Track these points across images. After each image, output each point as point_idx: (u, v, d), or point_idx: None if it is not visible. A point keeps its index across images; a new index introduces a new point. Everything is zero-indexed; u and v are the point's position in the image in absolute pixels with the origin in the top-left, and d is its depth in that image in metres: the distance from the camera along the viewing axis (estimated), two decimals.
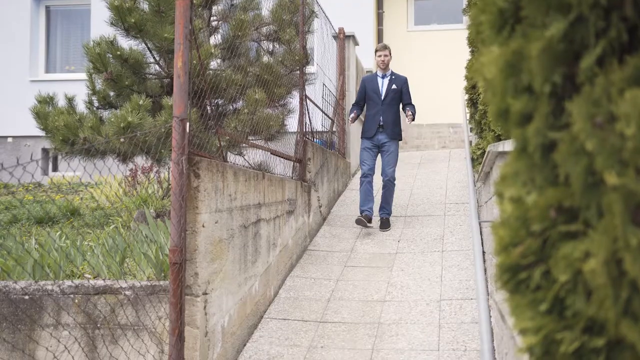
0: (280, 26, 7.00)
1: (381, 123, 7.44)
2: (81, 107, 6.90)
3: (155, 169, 9.37)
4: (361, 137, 7.67)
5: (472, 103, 6.36)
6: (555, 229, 1.29)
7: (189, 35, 3.97)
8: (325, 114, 8.43)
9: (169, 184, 8.93)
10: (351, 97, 9.87)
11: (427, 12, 13.84)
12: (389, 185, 7.37)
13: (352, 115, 7.72)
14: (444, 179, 9.25)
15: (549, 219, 1.30)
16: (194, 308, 3.92)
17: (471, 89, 6.34)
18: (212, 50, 6.05)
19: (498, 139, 5.46)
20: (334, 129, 8.97)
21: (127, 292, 4.00)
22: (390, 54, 7.71)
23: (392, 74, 7.70)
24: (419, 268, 6.14)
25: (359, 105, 7.78)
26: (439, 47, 13.34)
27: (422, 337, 4.83)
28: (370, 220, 7.19)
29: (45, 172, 13.10)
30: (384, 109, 7.47)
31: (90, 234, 6.10)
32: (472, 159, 6.76)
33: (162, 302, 3.99)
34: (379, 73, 7.70)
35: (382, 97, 7.51)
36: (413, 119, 7.42)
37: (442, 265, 6.14)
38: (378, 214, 7.44)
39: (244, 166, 5.31)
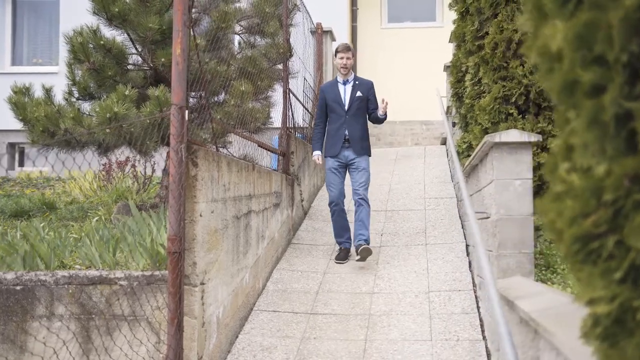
0: (263, 19, 6.96)
1: (346, 137, 6.34)
2: (57, 99, 6.73)
3: (130, 163, 9.27)
4: (325, 156, 6.54)
5: (458, 97, 6.41)
6: (629, 198, 1.30)
7: (187, 22, 3.92)
8: (306, 109, 8.42)
9: (145, 178, 8.84)
10: None
11: (401, 10, 13.91)
12: (363, 205, 6.24)
13: (315, 155, 6.59)
14: (421, 174, 9.31)
15: (623, 188, 1.31)
16: (192, 298, 3.88)
17: (457, 83, 6.40)
18: (198, 41, 5.99)
19: (485, 132, 5.53)
20: (313, 124, 8.96)
21: (122, 282, 3.93)
22: (353, 55, 6.54)
23: (356, 78, 6.56)
24: (405, 261, 6.17)
25: (322, 122, 6.58)
26: (413, 44, 13.42)
27: (414, 327, 4.85)
28: (349, 252, 6.37)
29: (11, 167, 12.84)
30: (348, 120, 6.35)
31: (73, 226, 5.98)
32: (458, 152, 6.81)
33: (158, 292, 3.93)
34: (340, 79, 6.53)
35: (346, 107, 6.39)
36: (385, 112, 6.35)
37: (427, 258, 6.19)
38: (354, 243, 6.26)
39: (234, 157, 5.26)
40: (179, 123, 3.79)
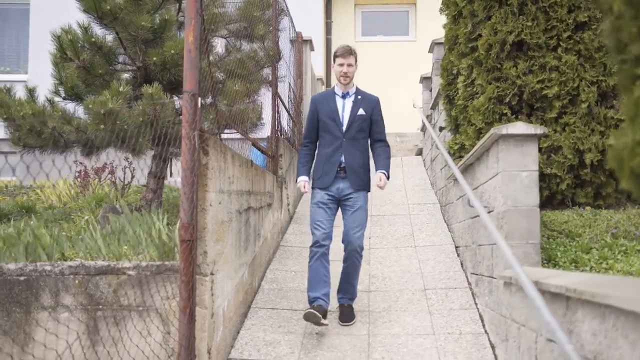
0: (251, 23, 6.97)
1: (342, 165, 4.96)
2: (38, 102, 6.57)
3: (108, 169, 9.15)
4: (312, 187, 5.12)
5: (449, 100, 6.50)
6: None
7: (200, 10, 3.92)
8: (289, 114, 8.43)
9: (125, 184, 8.71)
10: (307, 102, 9.91)
11: (374, 24, 14.10)
12: (353, 258, 4.93)
13: (301, 181, 5.11)
14: (401, 182, 9.39)
15: None
16: (203, 288, 3.83)
17: (447, 85, 6.49)
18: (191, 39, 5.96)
19: (479, 132, 5.62)
20: (294, 130, 8.98)
21: (131, 272, 3.86)
22: (356, 62, 5.11)
23: (358, 92, 5.16)
24: (396, 262, 6.20)
25: (312, 142, 5.20)
26: (386, 58, 13.59)
27: (415, 322, 4.87)
28: (325, 314, 4.78)
29: None
30: (346, 144, 4.98)
31: (62, 225, 5.86)
32: (449, 154, 6.87)
33: (167, 282, 3.87)
34: (338, 90, 5.13)
35: (344, 127, 5.00)
36: (384, 184, 5.01)
37: (418, 259, 6.23)
38: (337, 298, 5.09)
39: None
40: (192, 110, 3.76)
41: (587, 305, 2.44)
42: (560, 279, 2.89)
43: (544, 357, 3.12)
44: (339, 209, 5.09)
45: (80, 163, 8.90)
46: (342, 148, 4.99)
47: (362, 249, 4.96)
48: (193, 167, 3.70)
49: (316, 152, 5.20)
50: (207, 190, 3.89)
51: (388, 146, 5.19)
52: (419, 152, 11.87)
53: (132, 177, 8.75)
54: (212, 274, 3.93)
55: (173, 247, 4.13)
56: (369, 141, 5.18)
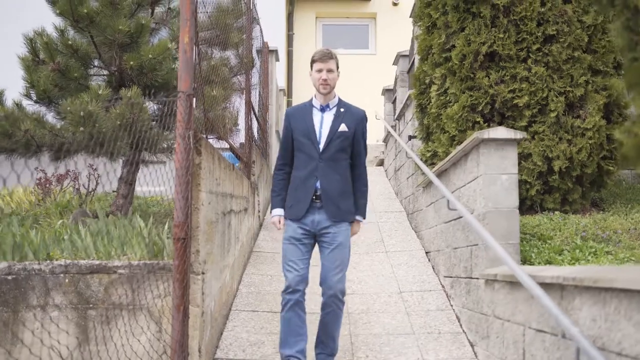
0: (224, 30, 7.03)
1: (317, 192, 4.10)
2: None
3: (70, 176, 9.02)
4: (285, 217, 4.27)
5: (421, 108, 6.67)
6: None
7: (194, 12, 3.98)
8: (258, 122, 8.49)
9: (89, 191, 8.61)
10: (272, 112, 10.00)
11: (335, 37, 14.32)
12: (333, 306, 4.12)
13: (275, 215, 4.30)
14: None
15: None
16: (195, 286, 3.86)
17: (420, 95, 6.67)
18: (169, 45, 6.00)
19: (452, 139, 5.80)
20: (262, 139, 9.05)
21: (122, 271, 3.86)
22: (337, 68, 4.30)
23: (341, 104, 4.29)
24: (370, 266, 6.32)
25: (287, 165, 4.31)
26: (346, 70, 13.78)
27: (394, 323, 4.99)
28: None
29: None
30: (322, 167, 4.12)
31: (37, 228, 5.77)
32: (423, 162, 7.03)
33: (159, 280, 3.89)
34: (316, 103, 4.30)
35: (321, 146, 4.14)
36: (358, 230, 4.46)
37: (391, 264, 6.36)
38: (314, 353, 4.24)
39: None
40: (187, 110, 3.81)
41: (586, 292, 2.59)
42: (554, 270, 3.04)
43: (534, 347, 3.26)
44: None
45: (41, 170, 8.78)
46: (318, 171, 4.11)
47: (343, 294, 4.13)
48: (188, 166, 3.75)
49: (291, 175, 4.31)
50: (200, 190, 3.93)
51: (366, 177, 4.38)
52: (380, 163, 12.07)
53: (97, 184, 8.65)
54: (203, 272, 3.96)
55: (162, 247, 4.14)
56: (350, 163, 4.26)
